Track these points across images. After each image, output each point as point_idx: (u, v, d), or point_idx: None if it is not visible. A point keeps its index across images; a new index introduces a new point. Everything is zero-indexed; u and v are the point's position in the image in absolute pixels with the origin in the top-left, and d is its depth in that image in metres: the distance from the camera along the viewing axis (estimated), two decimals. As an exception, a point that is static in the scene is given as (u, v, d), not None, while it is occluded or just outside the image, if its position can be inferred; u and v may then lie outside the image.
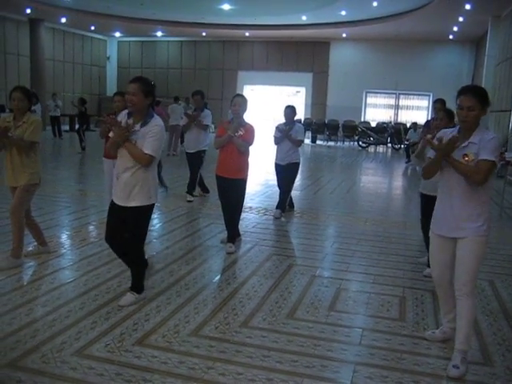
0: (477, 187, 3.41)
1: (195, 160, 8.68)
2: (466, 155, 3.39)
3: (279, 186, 8.08)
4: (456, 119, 4.92)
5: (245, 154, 5.91)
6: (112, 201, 4.27)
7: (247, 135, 5.84)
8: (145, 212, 4.21)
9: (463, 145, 3.42)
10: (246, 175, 6.03)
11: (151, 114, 4.13)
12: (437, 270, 3.73)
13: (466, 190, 3.43)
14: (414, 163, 5.55)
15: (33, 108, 5.34)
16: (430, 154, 3.61)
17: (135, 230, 4.23)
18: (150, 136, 4.03)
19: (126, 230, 4.21)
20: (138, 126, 4.06)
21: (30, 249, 5.53)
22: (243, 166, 5.94)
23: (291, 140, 7.68)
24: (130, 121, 4.09)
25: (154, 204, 4.27)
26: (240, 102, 5.86)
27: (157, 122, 4.12)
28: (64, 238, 6.41)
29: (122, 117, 4.21)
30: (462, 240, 3.48)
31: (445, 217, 3.54)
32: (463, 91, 3.44)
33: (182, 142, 13.21)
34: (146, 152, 4.02)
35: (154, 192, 4.24)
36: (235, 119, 5.88)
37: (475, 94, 3.39)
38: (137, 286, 4.37)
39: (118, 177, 4.18)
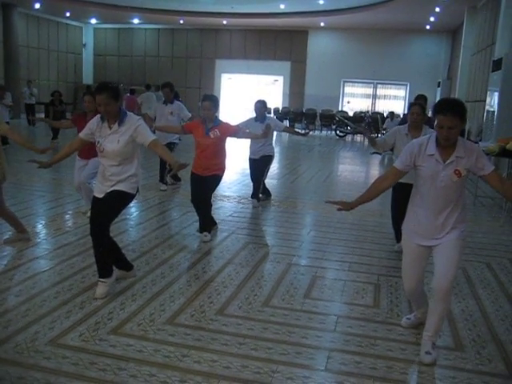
0: (462, 196, 3.42)
1: None
2: (457, 170, 3.28)
3: (252, 179, 8.06)
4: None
5: (221, 152, 5.93)
6: (94, 197, 4.33)
7: (228, 130, 5.87)
8: (123, 197, 4.26)
9: (450, 160, 3.30)
10: (223, 172, 6.04)
11: (123, 112, 4.20)
12: (413, 282, 3.65)
13: (454, 201, 3.39)
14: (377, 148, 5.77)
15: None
16: (397, 163, 3.49)
17: (107, 209, 4.23)
18: (142, 129, 4.16)
19: (99, 207, 4.24)
20: (116, 126, 4.15)
21: (7, 237, 5.48)
22: (220, 165, 5.95)
23: (287, 131, 8.36)
24: (105, 124, 4.20)
25: (133, 196, 4.33)
26: (209, 106, 5.79)
27: (134, 116, 4.28)
28: (39, 227, 6.34)
29: (96, 122, 4.27)
30: (443, 245, 3.43)
31: (430, 228, 3.45)
32: (442, 110, 3.21)
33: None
34: (152, 139, 4.16)
35: (137, 185, 4.32)
36: (208, 121, 5.85)
37: (455, 113, 3.19)
38: (104, 271, 4.28)
39: (104, 176, 4.24)
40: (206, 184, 5.91)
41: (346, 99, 25.96)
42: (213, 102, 5.85)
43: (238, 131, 5.98)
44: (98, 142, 4.19)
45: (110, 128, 4.16)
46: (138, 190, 4.35)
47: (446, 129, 3.21)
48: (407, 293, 3.83)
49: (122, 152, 4.14)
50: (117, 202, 4.25)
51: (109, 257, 4.36)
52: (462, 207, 3.46)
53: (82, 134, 4.35)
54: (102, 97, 4.03)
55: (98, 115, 4.28)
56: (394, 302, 4.46)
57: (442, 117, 3.20)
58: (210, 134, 5.80)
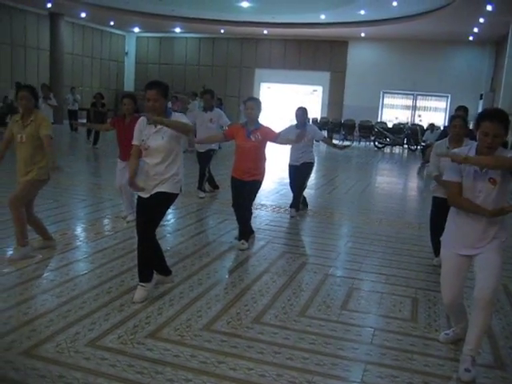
0: (503, 203, 3.36)
1: (204, 158, 8.74)
2: (492, 179, 3.29)
3: (292, 188, 8.04)
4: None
5: (261, 156, 5.94)
6: (139, 198, 4.38)
7: (269, 134, 5.86)
8: (168, 199, 4.34)
9: (486, 169, 3.32)
10: (263, 177, 6.05)
11: (169, 111, 4.31)
12: (452, 294, 3.59)
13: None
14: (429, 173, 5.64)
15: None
16: (453, 177, 3.46)
17: (154, 214, 4.30)
18: (182, 120, 4.28)
19: (147, 212, 4.28)
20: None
21: (36, 244, 5.49)
22: (260, 169, 5.96)
23: (325, 142, 8.14)
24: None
25: (177, 194, 4.39)
26: (253, 106, 5.85)
27: (178, 114, 4.41)
28: (79, 230, 6.48)
29: (142, 124, 4.33)
30: (484, 255, 3.39)
31: (471, 236, 3.42)
32: (488, 117, 3.25)
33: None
34: (189, 126, 4.30)
35: (180, 184, 4.38)
36: (250, 124, 5.90)
37: (501, 121, 3.24)
38: (145, 276, 4.36)
39: (148, 175, 4.30)
40: (245, 190, 5.93)
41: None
42: (256, 102, 5.92)
43: (277, 137, 5.96)
44: (143, 141, 4.26)
45: (155, 126, 4.23)
46: (181, 189, 4.40)
47: (491, 137, 3.22)
48: (446, 306, 3.76)
49: (166, 148, 4.21)
50: (162, 205, 4.33)
51: (152, 262, 4.43)
52: (503, 216, 3.41)
53: (137, 142, 4.33)
54: (153, 92, 4.13)
55: (143, 117, 4.36)
56: (432, 316, 4.39)
57: (489, 124, 3.22)
58: (251, 136, 5.82)
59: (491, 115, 3.27)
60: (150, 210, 4.28)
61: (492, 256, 3.37)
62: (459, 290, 3.60)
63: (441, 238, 3.68)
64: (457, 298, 3.62)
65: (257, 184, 5.99)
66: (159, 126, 4.20)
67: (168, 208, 4.48)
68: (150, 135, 4.24)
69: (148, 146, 4.24)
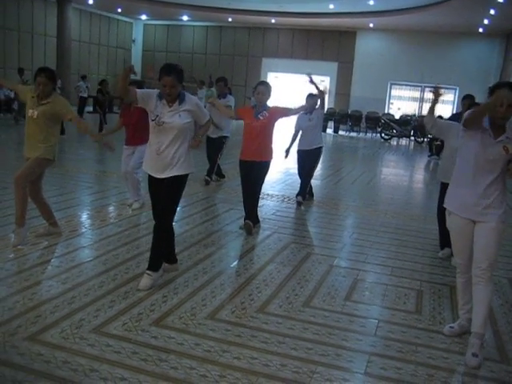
0: (502, 176, 3.48)
1: (216, 145, 8.78)
2: (505, 147, 3.41)
3: (300, 174, 8.05)
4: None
5: (269, 136, 5.99)
6: (150, 176, 4.37)
7: (277, 111, 5.96)
8: (183, 182, 4.34)
9: (500, 139, 3.43)
10: (271, 158, 6.10)
11: (183, 92, 4.27)
12: (465, 255, 3.70)
13: (495, 176, 3.47)
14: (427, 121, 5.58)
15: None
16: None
17: (172, 201, 4.31)
18: (201, 107, 4.47)
19: (165, 198, 4.29)
20: (176, 105, 4.19)
21: (41, 230, 5.49)
22: (268, 148, 6.01)
23: (320, 97, 7.74)
24: (164, 102, 4.21)
25: (188, 174, 4.39)
26: (263, 91, 5.92)
27: (193, 97, 4.44)
28: (85, 217, 6.49)
29: (155, 97, 4.24)
30: (484, 225, 3.51)
31: (468, 200, 3.54)
32: (504, 87, 3.37)
33: None
34: (207, 118, 4.47)
35: (192, 162, 4.39)
36: (259, 106, 5.93)
37: None
38: (155, 264, 4.36)
39: (159, 152, 4.24)
40: (254, 171, 5.98)
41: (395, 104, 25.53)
42: (266, 87, 5.98)
43: (289, 110, 6.07)
44: (157, 116, 4.18)
45: (170, 106, 4.19)
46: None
47: (505, 106, 3.33)
48: (461, 270, 3.80)
49: (181, 127, 4.18)
50: (179, 190, 4.34)
51: (164, 250, 4.46)
52: (501, 189, 3.53)
53: (138, 91, 4.22)
54: (170, 79, 4.06)
55: (157, 91, 4.29)
56: (437, 309, 4.38)
57: (506, 92, 3.33)
58: (259, 116, 5.90)
59: (506, 85, 3.40)
60: (168, 196, 4.27)
61: (489, 231, 3.49)
62: (471, 251, 3.65)
63: (444, 204, 3.81)
64: (470, 258, 3.67)
65: (265, 165, 6.03)
66: (175, 106, 4.17)
67: (183, 189, 4.42)
68: (164, 113, 4.17)
69: (163, 122, 4.16)
